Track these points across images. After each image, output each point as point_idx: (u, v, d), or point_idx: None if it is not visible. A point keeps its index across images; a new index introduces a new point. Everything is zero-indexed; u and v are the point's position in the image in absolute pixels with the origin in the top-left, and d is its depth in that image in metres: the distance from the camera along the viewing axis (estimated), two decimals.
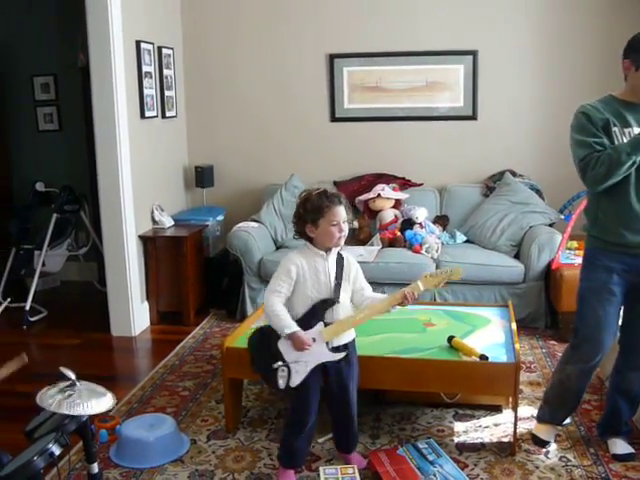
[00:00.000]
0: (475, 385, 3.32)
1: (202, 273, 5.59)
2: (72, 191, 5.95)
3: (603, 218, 3.02)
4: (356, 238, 5.48)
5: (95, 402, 2.24)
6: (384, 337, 3.56)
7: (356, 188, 5.76)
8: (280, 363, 2.93)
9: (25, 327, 5.45)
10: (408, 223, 5.40)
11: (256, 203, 5.88)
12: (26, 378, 4.38)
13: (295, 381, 2.94)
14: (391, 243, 5.29)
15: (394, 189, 5.63)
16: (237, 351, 3.39)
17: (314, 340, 2.88)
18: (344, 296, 2.93)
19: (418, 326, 3.76)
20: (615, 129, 2.92)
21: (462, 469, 3.11)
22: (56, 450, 2.12)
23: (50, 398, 2.21)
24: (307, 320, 2.90)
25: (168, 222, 5.53)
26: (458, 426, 3.58)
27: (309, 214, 2.85)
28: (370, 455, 3.20)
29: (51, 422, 2.34)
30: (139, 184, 5.20)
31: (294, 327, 2.87)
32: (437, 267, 4.98)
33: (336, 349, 2.94)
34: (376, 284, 4.94)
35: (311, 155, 6.03)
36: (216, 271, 5.66)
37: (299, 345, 2.86)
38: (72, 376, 2.32)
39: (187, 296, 5.33)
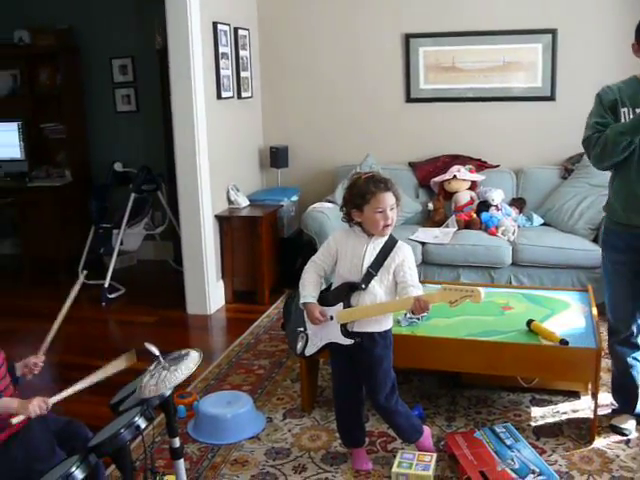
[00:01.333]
0: (554, 370, 3.27)
1: (276, 253, 5.63)
2: (150, 171, 6.05)
3: (612, 198, 3.12)
4: (431, 220, 5.43)
5: (183, 366, 2.29)
6: (462, 319, 3.52)
7: (431, 169, 5.70)
8: (302, 329, 3.03)
9: (104, 304, 5.60)
10: (484, 205, 5.32)
11: (330, 184, 5.88)
12: (104, 354, 4.51)
13: (309, 351, 3.03)
14: (467, 225, 5.23)
15: (470, 170, 5.55)
16: None
17: (331, 318, 2.87)
18: (375, 285, 2.81)
19: (496, 309, 3.71)
20: (624, 109, 2.97)
21: (540, 455, 3.06)
22: (142, 423, 2.17)
23: (147, 388, 2.27)
24: (333, 297, 2.89)
25: (243, 202, 5.57)
26: (535, 411, 3.53)
27: (354, 199, 2.78)
28: (447, 437, 3.19)
29: (136, 396, 2.39)
30: (215, 164, 5.25)
31: (309, 299, 2.90)
32: (513, 251, 4.91)
33: (352, 334, 2.87)
34: (452, 266, 4.97)
35: (386, 136, 5.98)
36: (290, 251, 5.69)
37: (310, 317, 2.90)
38: (156, 352, 2.35)
39: (262, 275, 5.38)
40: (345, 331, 2.86)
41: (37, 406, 2.36)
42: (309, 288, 2.91)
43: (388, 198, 2.74)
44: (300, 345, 3.05)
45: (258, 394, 3.80)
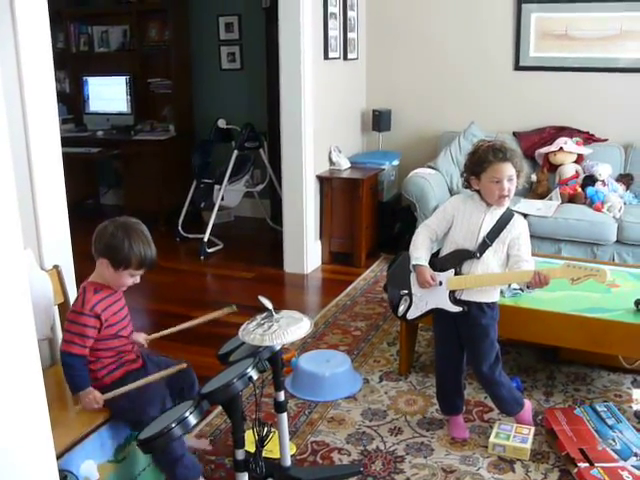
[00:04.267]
0: None
1: (375, 216, 5.61)
2: (253, 129, 6.08)
3: None
4: (534, 191, 5.31)
5: (294, 328, 2.30)
6: (566, 294, 3.43)
7: (537, 140, 5.57)
8: (406, 292, 3.02)
9: (202, 257, 5.72)
10: (590, 179, 5.16)
11: (431, 150, 5.81)
12: (204, 305, 4.64)
13: (412, 315, 3.03)
14: (571, 199, 5.09)
15: (577, 143, 5.39)
16: None
17: (440, 283, 2.86)
18: (489, 255, 2.79)
19: (601, 286, 3.58)
20: None
21: None
22: (254, 375, 2.21)
23: (251, 333, 2.30)
24: (444, 263, 2.87)
25: (345, 164, 5.57)
26: (637, 393, 3.45)
27: (474, 166, 2.77)
28: (546, 412, 3.15)
29: (246, 348, 2.45)
30: (319, 124, 5.25)
31: (421, 261, 2.89)
32: (619, 228, 4.77)
33: (460, 302, 2.85)
34: (553, 240, 4.86)
35: (491, 104, 5.85)
36: (388, 215, 5.68)
37: (420, 280, 2.89)
38: (269, 306, 2.38)
39: (359, 238, 5.39)
40: (453, 298, 2.85)
41: (92, 401, 2.43)
42: (421, 251, 2.91)
43: (506, 169, 2.70)
44: (402, 308, 3.06)
45: (355, 355, 3.84)
